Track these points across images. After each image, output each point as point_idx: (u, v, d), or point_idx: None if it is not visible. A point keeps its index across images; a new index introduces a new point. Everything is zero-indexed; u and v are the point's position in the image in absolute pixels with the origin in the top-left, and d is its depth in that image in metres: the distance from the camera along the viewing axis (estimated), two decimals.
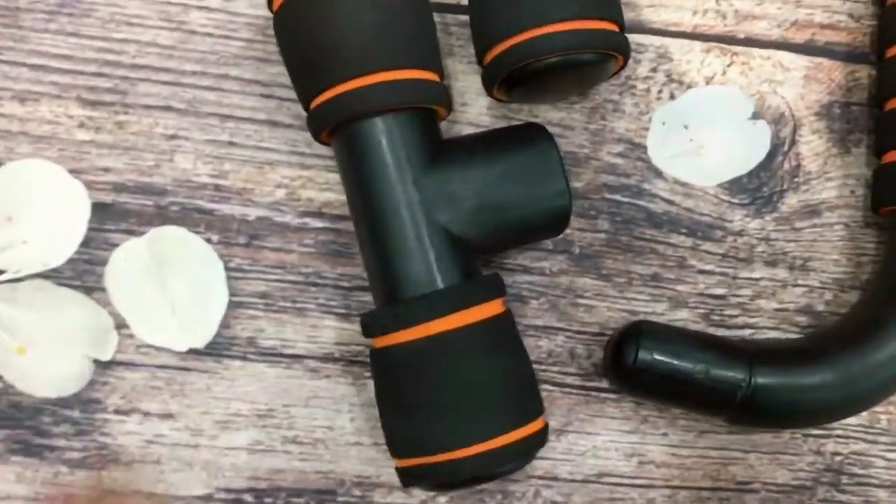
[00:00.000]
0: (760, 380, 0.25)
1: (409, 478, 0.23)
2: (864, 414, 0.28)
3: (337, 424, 0.27)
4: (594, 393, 0.27)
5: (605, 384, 0.27)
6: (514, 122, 0.28)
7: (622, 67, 0.26)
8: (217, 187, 0.27)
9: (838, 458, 0.28)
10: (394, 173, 0.23)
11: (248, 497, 0.26)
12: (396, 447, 0.23)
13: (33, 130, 0.26)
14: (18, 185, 0.26)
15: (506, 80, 0.25)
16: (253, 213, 0.27)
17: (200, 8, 0.27)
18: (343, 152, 0.24)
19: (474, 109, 0.28)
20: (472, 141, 0.25)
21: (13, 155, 0.26)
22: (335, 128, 0.24)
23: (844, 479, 0.28)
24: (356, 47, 0.23)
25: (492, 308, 0.23)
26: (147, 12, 0.27)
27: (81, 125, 0.27)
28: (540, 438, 0.23)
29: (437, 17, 0.25)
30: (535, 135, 0.25)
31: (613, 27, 0.24)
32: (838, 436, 0.28)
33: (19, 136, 0.26)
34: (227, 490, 0.26)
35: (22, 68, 0.26)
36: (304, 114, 0.26)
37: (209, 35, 0.27)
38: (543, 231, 0.25)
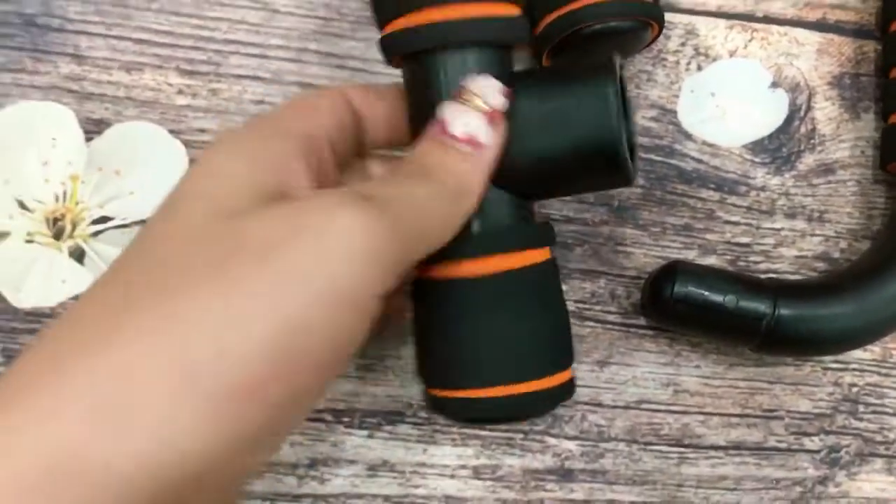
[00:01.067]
0: (784, 311, 0.28)
1: (437, 407, 0.25)
2: (878, 349, 0.31)
3: (404, 354, 0.30)
4: (633, 329, 0.31)
5: (642, 321, 0.31)
6: None
7: (657, 37, 0.29)
8: None
9: (855, 389, 0.31)
10: None
11: (328, 416, 0.29)
12: (431, 377, 0.25)
13: (138, 96, 0.30)
14: (126, 143, 0.30)
15: (555, 47, 0.28)
16: None
17: None
18: (416, 77, 0.24)
19: None
20: (540, 76, 0.24)
21: (121, 117, 0.30)
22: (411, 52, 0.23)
23: (861, 408, 0.31)
24: None
25: (540, 255, 0.24)
26: None
27: (180, 92, 0.30)
28: (567, 389, 0.24)
29: None
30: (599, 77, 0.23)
31: None
32: (854, 369, 0.31)
33: (126, 100, 0.30)
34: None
35: (128, 42, 0.30)
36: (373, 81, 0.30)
37: (291, 14, 0.31)
38: (597, 173, 0.24)
